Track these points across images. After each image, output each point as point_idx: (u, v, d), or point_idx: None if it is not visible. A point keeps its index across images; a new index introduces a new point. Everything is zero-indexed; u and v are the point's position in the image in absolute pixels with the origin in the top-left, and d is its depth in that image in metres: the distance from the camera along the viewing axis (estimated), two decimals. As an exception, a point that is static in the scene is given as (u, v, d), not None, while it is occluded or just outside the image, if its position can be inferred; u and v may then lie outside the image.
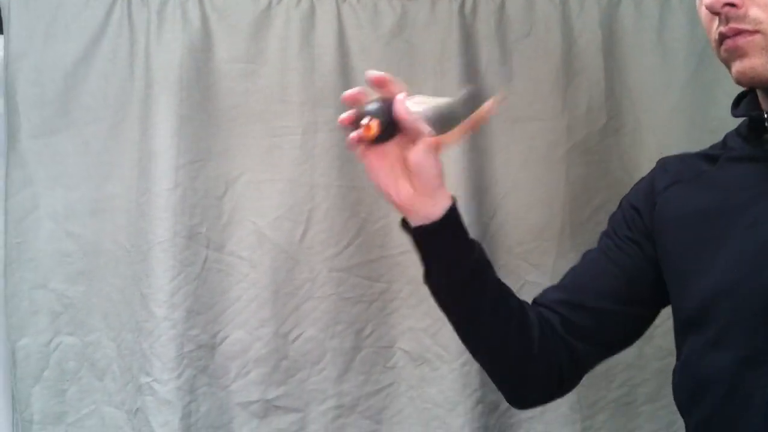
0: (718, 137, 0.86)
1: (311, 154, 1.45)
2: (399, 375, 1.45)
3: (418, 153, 0.77)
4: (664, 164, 0.90)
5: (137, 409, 1.39)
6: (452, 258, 0.82)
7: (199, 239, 1.41)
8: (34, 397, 1.41)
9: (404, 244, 1.45)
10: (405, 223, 0.83)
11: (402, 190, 0.79)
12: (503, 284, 0.86)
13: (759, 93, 0.79)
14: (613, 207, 0.92)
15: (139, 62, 1.44)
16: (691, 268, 0.79)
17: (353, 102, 0.77)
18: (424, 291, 1.42)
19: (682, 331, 0.81)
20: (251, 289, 1.42)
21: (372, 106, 0.75)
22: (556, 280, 1.46)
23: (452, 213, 0.81)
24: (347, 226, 1.45)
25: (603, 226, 0.95)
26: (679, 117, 1.48)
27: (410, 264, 1.44)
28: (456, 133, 0.79)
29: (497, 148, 1.48)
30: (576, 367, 0.89)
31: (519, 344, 0.84)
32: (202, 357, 1.40)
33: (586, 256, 0.93)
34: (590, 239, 1.48)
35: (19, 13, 1.43)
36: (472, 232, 1.49)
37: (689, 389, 0.79)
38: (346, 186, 1.44)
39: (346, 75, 1.46)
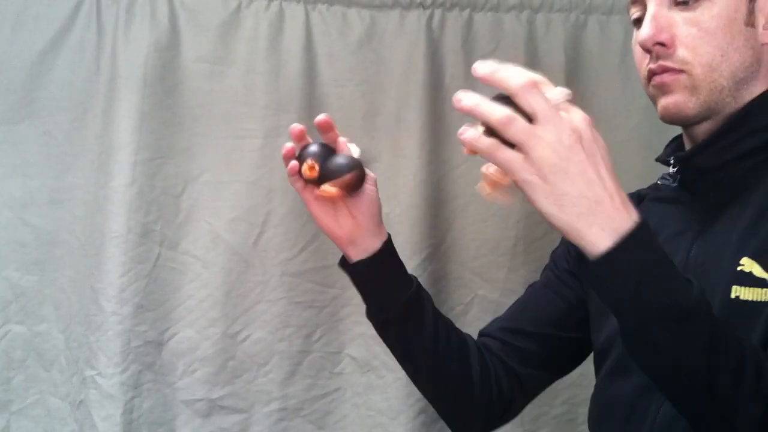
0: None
1: (272, 157, 1.45)
2: (345, 381, 1.47)
3: (372, 190, 0.82)
4: None
5: (80, 402, 1.40)
6: (392, 290, 0.84)
7: (153, 236, 1.42)
8: (-20, 383, 1.42)
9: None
10: (344, 262, 0.86)
11: (345, 223, 0.82)
12: (443, 318, 0.89)
13: (684, 133, 0.81)
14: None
15: (106, 56, 1.44)
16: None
17: (299, 138, 0.81)
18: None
19: (596, 362, 0.86)
20: (203, 288, 1.43)
21: (314, 149, 0.81)
22: (506, 295, 1.50)
23: (390, 246, 0.85)
24: (303, 231, 1.46)
25: (556, 244, 0.98)
26: (635, 142, 1.50)
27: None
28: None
29: (457, 161, 1.50)
30: (520, 392, 0.91)
31: (459, 377, 0.87)
32: (148, 353, 1.41)
33: (529, 288, 0.97)
34: (542, 256, 1.50)
35: (-13, 0, 1.44)
36: (428, 244, 1.50)
37: (596, 414, 0.84)
38: (303, 191, 1.45)
39: (311, 81, 1.47)
